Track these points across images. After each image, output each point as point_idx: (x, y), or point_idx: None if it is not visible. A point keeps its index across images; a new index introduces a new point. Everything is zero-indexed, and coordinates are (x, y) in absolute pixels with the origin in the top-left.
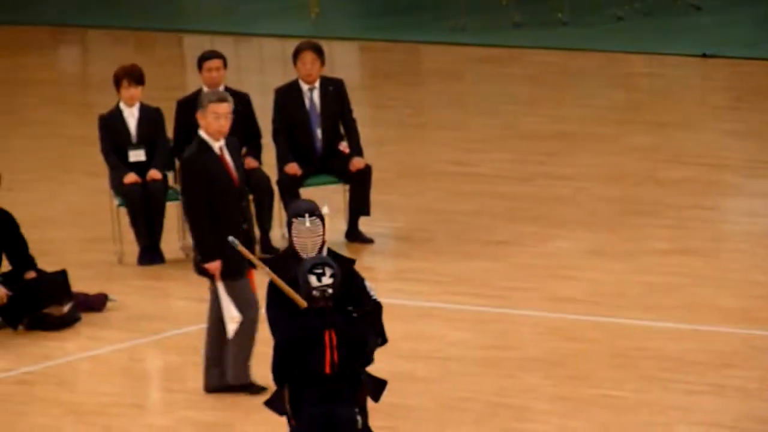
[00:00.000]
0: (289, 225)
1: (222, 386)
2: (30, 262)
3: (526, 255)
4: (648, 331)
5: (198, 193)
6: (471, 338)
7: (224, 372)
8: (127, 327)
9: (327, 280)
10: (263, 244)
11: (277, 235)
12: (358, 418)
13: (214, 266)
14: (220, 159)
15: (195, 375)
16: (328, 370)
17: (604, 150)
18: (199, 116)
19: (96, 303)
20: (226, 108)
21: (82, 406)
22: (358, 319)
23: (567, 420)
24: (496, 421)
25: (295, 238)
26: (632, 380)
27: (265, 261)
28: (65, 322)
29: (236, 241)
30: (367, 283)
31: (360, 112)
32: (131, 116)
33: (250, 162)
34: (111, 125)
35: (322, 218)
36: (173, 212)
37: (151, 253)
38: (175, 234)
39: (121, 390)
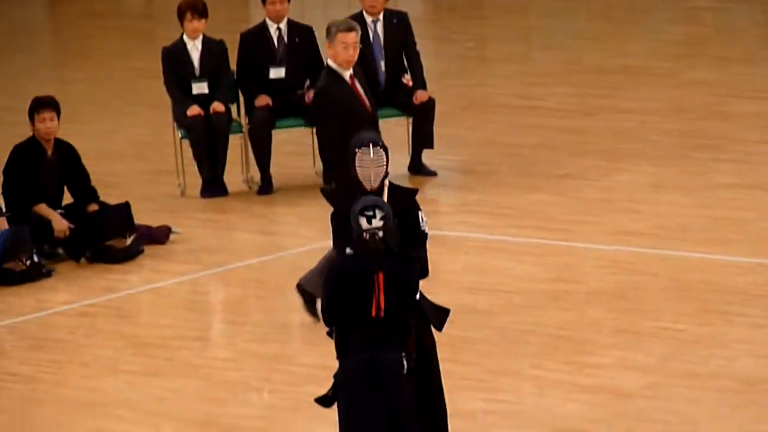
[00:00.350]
0: (353, 156)
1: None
2: (93, 195)
3: (589, 188)
4: (712, 264)
5: (331, 123)
6: (534, 271)
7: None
8: (189, 259)
9: (377, 222)
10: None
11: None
12: (405, 362)
13: None
14: (351, 88)
15: (257, 307)
16: (375, 313)
17: (668, 84)
18: (328, 46)
19: (159, 235)
20: (353, 37)
21: (144, 338)
22: (409, 262)
23: (628, 353)
24: (558, 354)
25: (358, 169)
26: (695, 314)
27: (326, 192)
28: (128, 255)
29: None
30: (421, 214)
31: (423, 45)
32: (194, 49)
33: (313, 95)
34: (174, 58)
35: (385, 149)
36: (236, 145)
37: (214, 186)
38: (238, 167)
39: (184, 323)
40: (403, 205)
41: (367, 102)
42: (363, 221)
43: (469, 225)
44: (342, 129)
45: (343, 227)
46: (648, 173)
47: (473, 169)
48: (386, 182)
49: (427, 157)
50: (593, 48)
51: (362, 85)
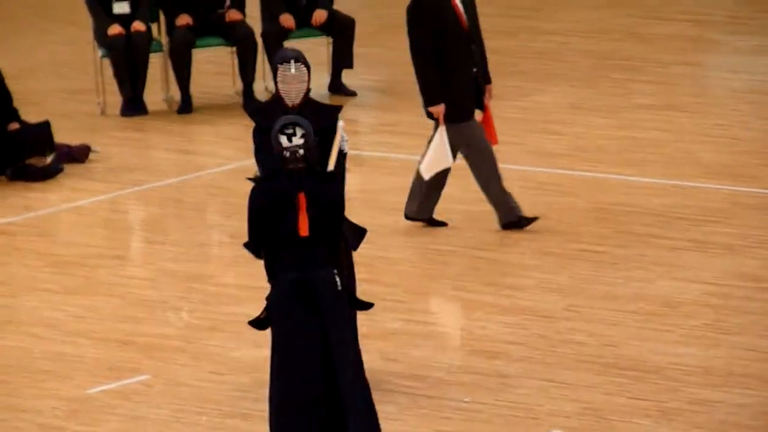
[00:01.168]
0: (275, 72)
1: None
2: (13, 114)
3: (510, 109)
4: (630, 186)
5: (424, 36)
6: (454, 192)
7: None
8: (108, 178)
9: (298, 140)
10: (246, 96)
11: (261, 88)
12: (338, 279)
13: (438, 109)
14: (450, 3)
15: (176, 226)
16: (302, 233)
17: (588, 5)
18: None
19: (78, 154)
20: None
21: (63, 257)
22: (331, 179)
23: (549, 275)
24: (478, 274)
25: (280, 84)
26: (613, 235)
27: (248, 108)
28: (47, 173)
29: None
30: (343, 132)
31: None
32: None
33: (234, 14)
34: None
35: (308, 65)
36: (157, 64)
37: (134, 105)
38: (158, 86)
39: (102, 241)
40: (325, 123)
41: (463, 17)
42: (283, 139)
43: (388, 145)
44: (435, 43)
45: (264, 144)
46: (567, 94)
47: (393, 89)
48: (303, 98)
49: (347, 77)
50: None
51: (464, 2)
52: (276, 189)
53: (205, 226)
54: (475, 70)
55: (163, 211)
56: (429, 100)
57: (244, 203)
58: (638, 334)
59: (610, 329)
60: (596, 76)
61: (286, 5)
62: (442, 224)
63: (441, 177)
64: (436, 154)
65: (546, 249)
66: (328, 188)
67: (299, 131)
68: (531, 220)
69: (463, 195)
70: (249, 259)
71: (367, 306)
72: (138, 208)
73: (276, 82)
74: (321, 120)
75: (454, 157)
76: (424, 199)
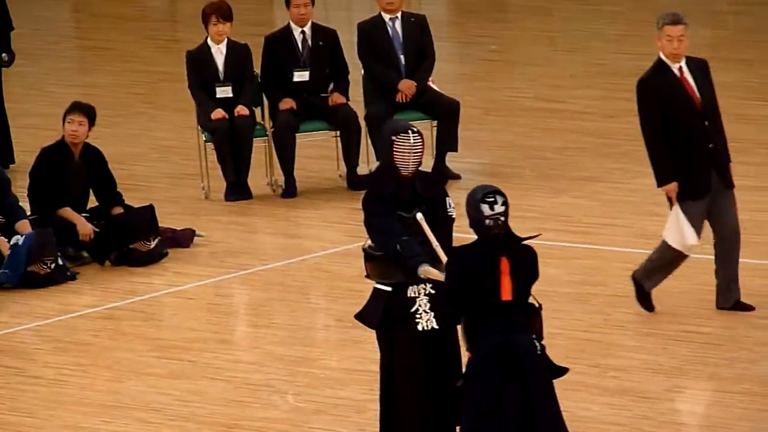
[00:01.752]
0: (390, 142)
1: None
2: (118, 198)
3: (613, 191)
4: None
5: (652, 113)
6: (560, 274)
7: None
8: (213, 262)
9: (499, 208)
10: (350, 180)
11: (364, 171)
12: (537, 343)
13: (670, 188)
14: (679, 80)
15: (280, 310)
16: (504, 297)
17: None
18: (656, 37)
19: (183, 239)
20: (679, 30)
21: (168, 341)
22: (529, 247)
23: (653, 356)
24: (584, 356)
25: (396, 155)
26: (717, 316)
27: (361, 177)
28: (152, 258)
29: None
30: (449, 199)
31: (447, 48)
32: (219, 52)
33: (337, 98)
34: (199, 61)
35: (422, 135)
36: (260, 148)
37: (238, 189)
38: (262, 170)
39: (207, 325)
40: (435, 193)
41: (696, 95)
42: (485, 208)
43: None
44: (666, 121)
45: (379, 211)
46: None
47: (497, 172)
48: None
49: (451, 160)
50: (616, 50)
51: (699, 80)
52: (479, 255)
53: (310, 310)
54: (711, 146)
55: (268, 295)
56: (660, 179)
57: (349, 286)
58: (744, 415)
59: (715, 410)
60: None
61: (387, 88)
62: (650, 308)
63: (674, 258)
64: (672, 233)
65: (650, 330)
66: (528, 253)
67: (500, 199)
68: (747, 307)
69: (569, 276)
70: (355, 342)
71: (563, 372)
72: (243, 291)
73: (392, 152)
74: (431, 189)
75: (698, 235)
76: (651, 266)
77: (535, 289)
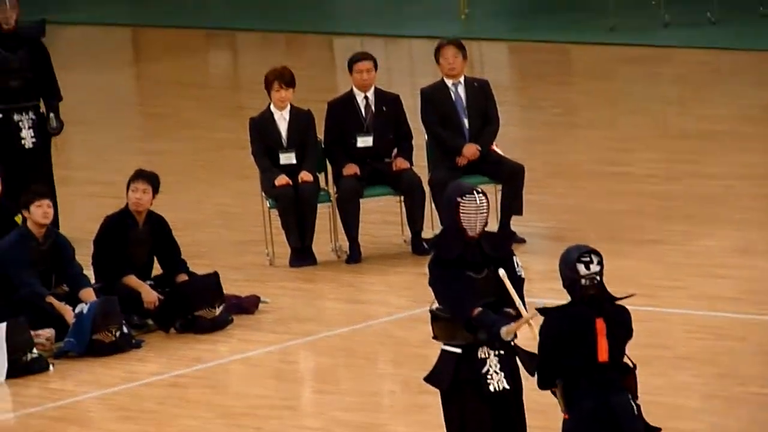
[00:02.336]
0: (456, 204)
1: None
2: (182, 265)
3: (676, 253)
4: None
5: None
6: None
7: None
8: (278, 329)
9: (595, 267)
10: (414, 245)
11: (429, 236)
12: (634, 404)
13: None
14: None
15: (346, 376)
16: (601, 358)
17: (754, 149)
18: None
19: (248, 305)
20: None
21: (233, 408)
22: (623, 307)
23: (719, 418)
24: (649, 419)
25: (462, 216)
26: None
27: (427, 240)
28: (217, 325)
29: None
30: (517, 259)
31: (510, 112)
32: (282, 119)
33: (401, 163)
34: (262, 128)
35: (486, 196)
36: (324, 213)
37: (302, 255)
38: (326, 236)
39: (273, 392)
40: (502, 253)
41: None
42: (581, 267)
43: (559, 292)
44: None
45: (443, 275)
46: (734, 237)
47: (562, 236)
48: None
49: (516, 224)
50: (678, 113)
51: None
52: (575, 316)
53: (377, 375)
54: None
55: (334, 361)
56: None
57: (415, 352)
58: None
59: None
60: (763, 220)
61: (451, 155)
62: None
63: None
64: None
65: (714, 392)
66: (622, 313)
67: (595, 258)
68: None
69: (632, 338)
70: (421, 408)
71: (656, 431)
72: (308, 358)
73: (459, 213)
74: (498, 250)
75: None
76: None
77: None
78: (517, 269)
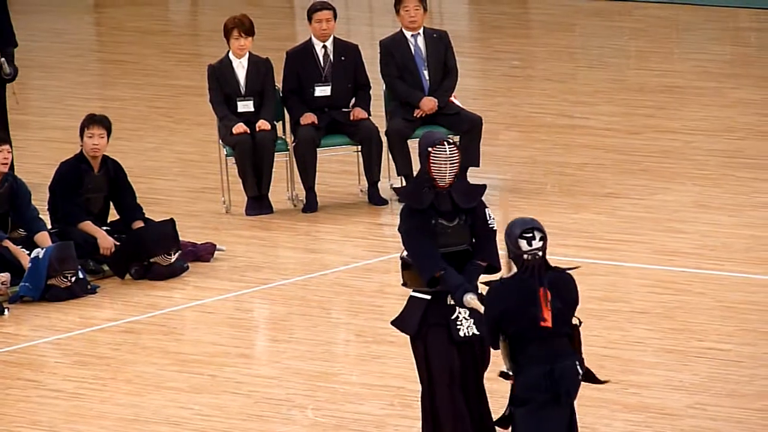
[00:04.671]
0: (427, 153)
1: None
2: (138, 211)
3: (634, 207)
4: (755, 284)
5: None
6: (579, 290)
7: None
8: (234, 277)
9: (537, 243)
10: (371, 195)
11: (385, 186)
12: (579, 368)
13: None
14: None
15: (301, 324)
16: (546, 325)
17: (712, 104)
18: None
19: (203, 253)
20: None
21: (188, 355)
22: (568, 276)
23: (673, 372)
24: (605, 372)
25: (433, 166)
26: (738, 333)
27: (397, 189)
28: (172, 272)
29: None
30: (488, 210)
31: (469, 63)
32: (240, 67)
33: (359, 113)
34: (220, 75)
35: (458, 146)
36: (281, 162)
37: (259, 203)
38: (283, 184)
39: (228, 340)
40: (474, 203)
41: None
42: (523, 243)
43: None
44: None
45: (414, 225)
46: (692, 192)
47: (518, 188)
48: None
49: (473, 175)
50: (637, 67)
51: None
52: (517, 287)
53: (331, 325)
54: None
55: (289, 310)
56: None
57: (370, 301)
58: None
59: (735, 427)
60: (721, 175)
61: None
62: None
63: None
64: None
65: (670, 347)
66: (568, 282)
67: (537, 235)
68: None
69: (588, 292)
70: (375, 357)
71: (600, 382)
72: (263, 306)
73: (429, 163)
74: (470, 199)
75: None
76: None
77: None
78: (489, 221)
